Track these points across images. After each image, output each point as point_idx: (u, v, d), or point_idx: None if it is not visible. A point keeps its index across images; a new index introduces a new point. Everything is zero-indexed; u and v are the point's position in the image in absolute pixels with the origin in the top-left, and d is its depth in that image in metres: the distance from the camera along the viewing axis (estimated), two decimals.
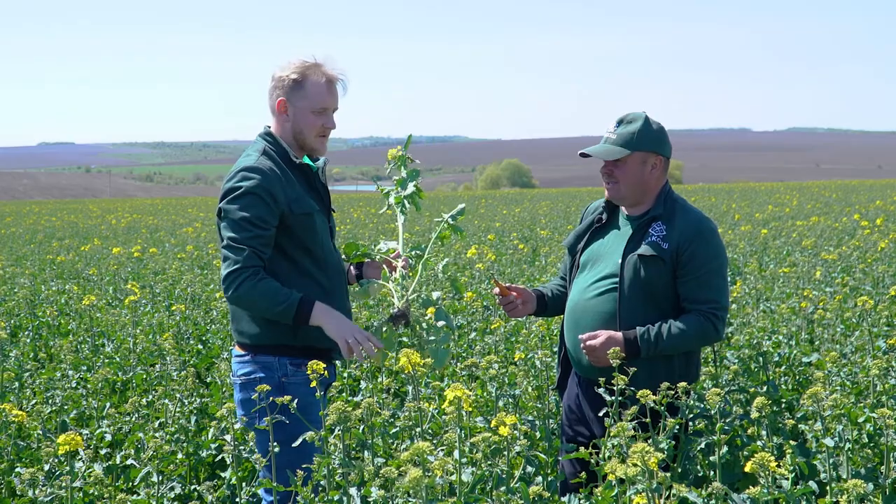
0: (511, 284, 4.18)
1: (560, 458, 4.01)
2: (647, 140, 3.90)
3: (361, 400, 5.10)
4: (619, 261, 3.88)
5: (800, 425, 3.70)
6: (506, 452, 2.89)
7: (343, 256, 4.08)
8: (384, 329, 3.80)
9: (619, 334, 3.78)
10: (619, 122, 3.94)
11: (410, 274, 3.93)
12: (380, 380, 5.82)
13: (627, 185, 3.92)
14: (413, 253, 4.01)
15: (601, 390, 3.59)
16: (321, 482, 3.02)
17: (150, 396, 5.58)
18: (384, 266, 3.97)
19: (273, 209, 3.68)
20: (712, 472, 3.58)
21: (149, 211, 44.77)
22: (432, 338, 3.72)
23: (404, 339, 4.27)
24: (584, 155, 4.01)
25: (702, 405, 3.71)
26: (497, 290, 4.14)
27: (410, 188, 4.06)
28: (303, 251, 3.79)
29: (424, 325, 3.68)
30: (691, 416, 3.70)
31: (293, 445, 3.25)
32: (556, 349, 4.24)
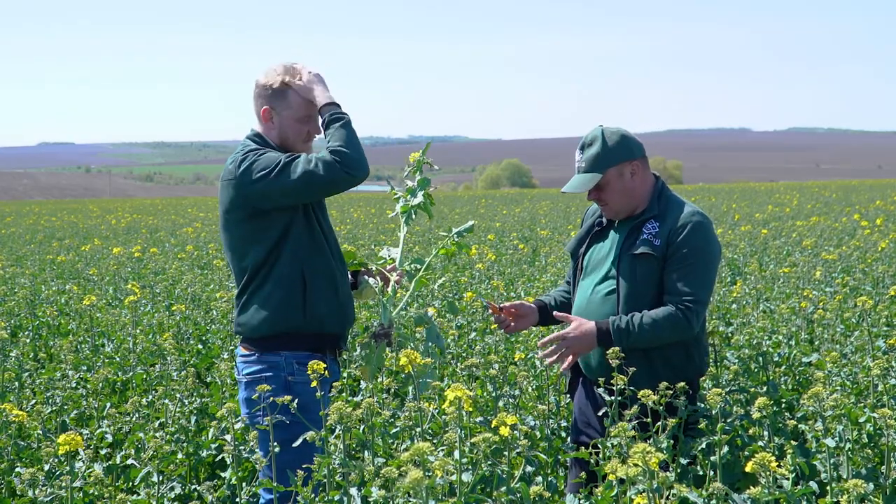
0: (504, 304, 4.18)
1: (559, 458, 4.02)
2: (613, 154, 3.90)
3: (362, 400, 5.10)
4: (615, 262, 3.88)
5: (800, 425, 3.70)
6: (506, 453, 2.89)
7: None
8: (368, 346, 3.78)
9: (591, 323, 3.78)
10: (582, 148, 3.96)
11: (403, 287, 3.92)
12: (380, 380, 5.81)
13: (616, 202, 3.95)
14: (412, 266, 3.98)
15: (600, 390, 3.59)
16: (321, 482, 3.02)
17: (150, 396, 5.57)
18: (378, 278, 3.96)
19: None
20: (713, 472, 3.58)
21: (149, 211, 44.74)
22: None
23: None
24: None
25: (702, 405, 3.71)
26: (490, 310, 4.15)
27: (420, 197, 4.03)
28: (327, 230, 3.90)
29: (412, 346, 3.62)
30: (691, 416, 3.70)
31: (295, 445, 3.26)
32: None
